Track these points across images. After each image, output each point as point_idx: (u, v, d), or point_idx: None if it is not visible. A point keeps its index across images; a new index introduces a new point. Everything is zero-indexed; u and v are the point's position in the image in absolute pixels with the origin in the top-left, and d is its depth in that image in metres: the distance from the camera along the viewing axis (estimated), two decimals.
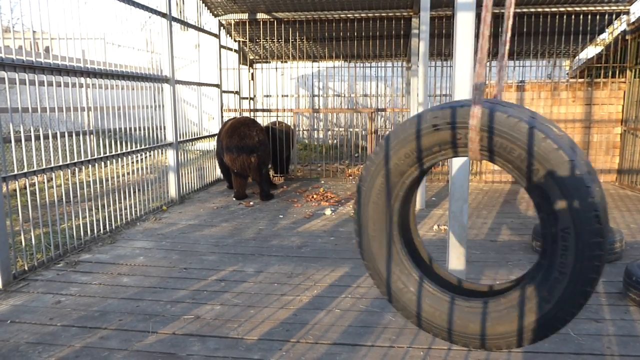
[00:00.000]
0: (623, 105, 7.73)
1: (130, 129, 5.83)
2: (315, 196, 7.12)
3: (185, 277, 4.00)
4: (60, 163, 4.47)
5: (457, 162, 3.21)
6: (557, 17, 8.02)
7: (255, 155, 6.75)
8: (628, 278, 3.53)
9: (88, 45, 5.45)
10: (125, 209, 5.63)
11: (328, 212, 6.20)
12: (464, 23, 3.09)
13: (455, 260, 3.27)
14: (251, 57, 10.69)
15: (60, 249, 4.43)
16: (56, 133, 4.57)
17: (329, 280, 3.94)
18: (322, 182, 8.30)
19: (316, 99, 12.03)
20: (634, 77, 7.49)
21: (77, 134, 5.23)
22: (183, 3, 16.40)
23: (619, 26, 8.06)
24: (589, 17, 7.95)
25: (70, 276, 4.00)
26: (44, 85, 4.31)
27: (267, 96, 10.70)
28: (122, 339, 2.97)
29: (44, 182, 4.26)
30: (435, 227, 5.47)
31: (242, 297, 3.60)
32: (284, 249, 4.74)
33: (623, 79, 7.70)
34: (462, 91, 3.15)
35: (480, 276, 3.99)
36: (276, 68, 9.92)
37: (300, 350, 2.86)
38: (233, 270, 4.18)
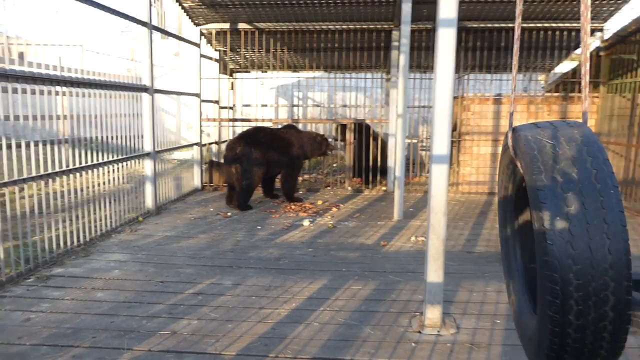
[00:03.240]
0: (596, 120, 7.90)
1: (107, 137, 5.72)
2: (293, 207, 7.09)
3: (161, 291, 3.92)
4: (33, 174, 4.36)
5: (435, 175, 3.23)
6: (534, 32, 8.19)
7: (236, 166, 6.82)
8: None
9: (65, 51, 5.36)
10: (100, 220, 5.51)
11: (306, 223, 6.17)
12: (445, 38, 3.13)
13: (434, 273, 3.28)
14: (231, 67, 10.64)
15: (30, 263, 4.30)
16: (29, 142, 4.45)
17: (308, 293, 3.91)
18: (301, 192, 8.27)
19: (295, 109, 12.02)
20: (607, 92, 7.68)
21: (52, 143, 5.10)
22: (164, 11, 16.29)
23: (593, 42, 8.27)
24: (565, 33, 8.14)
25: (41, 292, 3.88)
26: (17, 93, 4.20)
27: (246, 106, 10.66)
28: (95, 357, 2.88)
29: (15, 193, 4.15)
30: (413, 238, 5.49)
31: (220, 311, 3.54)
32: (262, 261, 4.69)
33: (597, 94, 7.88)
34: (443, 103, 3.18)
35: (457, 288, 4.01)
36: (256, 78, 9.90)
37: None
38: (210, 283, 4.11)
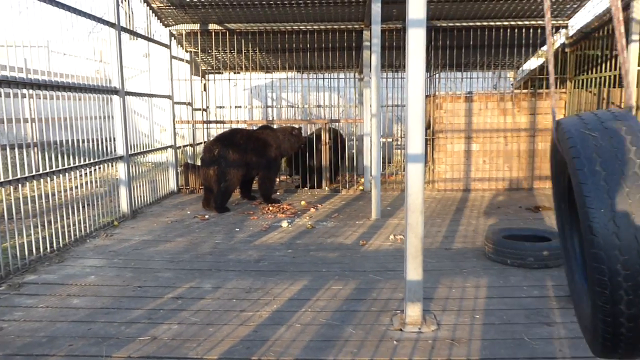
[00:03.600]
0: (564, 115, 8.12)
1: (77, 141, 5.60)
2: (271, 208, 7.07)
3: (140, 296, 3.86)
4: (2, 179, 4.24)
5: (411, 174, 3.27)
6: (502, 30, 8.37)
7: (214, 168, 6.82)
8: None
9: (30, 53, 5.22)
10: (74, 225, 5.39)
11: (285, 224, 6.17)
12: (415, 38, 3.17)
13: (413, 271, 3.31)
14: (203, 68, 10.54)
15: (1, 270, 4.18)
16: None
17: (288, 294, 3.91)
18: (278, 193, 8.25)
19: (270, 109, 11.99)
20: (574, 88, 7.90)
21: (20, 147, 4.96)
22: (132, 12, 16.01)
23: (559, 39, 8.50)
24: (531, 30, 8.33)
25: (13, 300, 3.78)
26: None
27: (220, 107, 10.58)
28: None
29: None
30: (392, 237, 5.54)
31: (201, 315, 3.51)
32: (242, 263, 4.67)
33: (564, 90, 8.10)
34: (415, 103, 3.22)
35: (436, 285, 4.06)
36: (229, 79, 9.83)
37: None
38: (190, 286, 4.07)
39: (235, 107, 10.40)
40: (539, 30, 8.39)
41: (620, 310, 1.63)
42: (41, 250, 4.75)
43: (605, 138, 1.69)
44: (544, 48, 9.26)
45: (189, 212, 6.93)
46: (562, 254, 2.29)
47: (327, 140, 8.57)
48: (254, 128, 8.01)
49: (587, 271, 1.74)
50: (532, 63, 9.94)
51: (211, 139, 7.60)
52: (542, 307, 3.62)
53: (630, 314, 1.62)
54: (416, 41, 3.13)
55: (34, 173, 4.72)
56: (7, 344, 3.08)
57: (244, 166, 7.01)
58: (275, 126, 8.35)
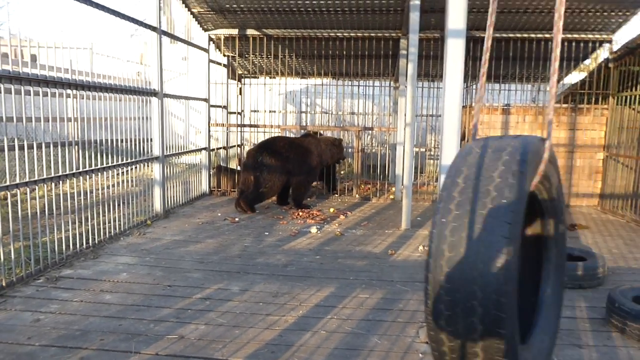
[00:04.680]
0: (605, 132, 7.89)
1: (116, 140, 5.76)
2: (301, 213, 7.10)
3: (169, 295, 3.94)
4: (44, 176, 4.39)
5: None
6: (542, 42, 8.20)
7: (256, 174, 7.02)
8: (610, 304, 3.57)
9: (75, 54, 5.40)
10: (109, 222, 5.54)
11: (314, 230, 6.18)
12: (454, 48, 3.15)
13: None
14: (240, 72, 10.71)
15: (40, 263, 4.33)
16: (40, 143, 4.49)
17: (315, 300, 3.91)
18: (309, 199, 8.28)
19: (303, 115, 12.07)
20: (616, 104, 7.67)
21: (62, 145, 5.14)
22: (172, 17, 16.41)
23: (602, 54, 8.27)
24: (574, 44, 8.14)
25: (50, 293, 3.91)
26: (29, 95, 4.24)
27: (254, 111, 10.70)
28: None
29: (26, 194, 4.18)
30: (421, 247, 5.48)
31: (227, 317, 3.55)
32: (270, 267, 4.70)
33: (606, 106, 7.87)
34: (452, 113, 3.19)
35: None
36: (264, 83, 9.95)
37: None
38: (218, 288, 4.13)
39: (270, 111, 10.50)
40: (581, 44, 8.19)
41: (442, 326, 1.52)
42: (78, 245, 4.89)
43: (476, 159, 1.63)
44: (587, 62, 9.03)
45: (219, 214, 7.02)
46: None
47: (359, 147, 8.56)
48: (295, 135, 8.09)
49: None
50: (574, 77, 9.69)
51: (252, 144, 7.74)
52: (574, 328, 3.52)
53: (450, 331, 1.50)
54: (455, 51, 3.11)
55: (74, 171, 4.87)
56: (43, 335, 3.18)
57: (285, 174, 7.14)
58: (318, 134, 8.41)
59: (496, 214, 1.46)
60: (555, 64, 1.70)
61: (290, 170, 7.20)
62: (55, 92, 4.72)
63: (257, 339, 3.22)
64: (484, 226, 1.46)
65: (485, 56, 1.82)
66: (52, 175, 4.51)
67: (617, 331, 3.43)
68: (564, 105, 8.08)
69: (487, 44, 1.81)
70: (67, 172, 4.74)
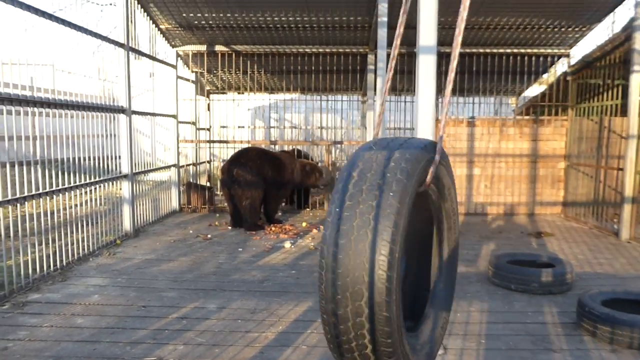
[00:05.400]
0: (566, 142, 8.20)
1: (81, 158, 5.62)
2: (273, 228, 7.07)
3: (144, 316, 3.84)
4: (8, 197, 4.24)
5: None
6: (504, 57, 8.49)
7: (232, 189, 6.98)
8: (581, 309, 3.69)
9: (36, 71, 5.26)
10: (77, 243, 5.38)
11: (287, 244, 6.16)
12: (426, 64, 3.23)
13: None
14: (208, 88, 10.65)
15: (5, 288, 4.16)
16: None
17: (293, 316, 3.89)
18: (280, 214, 8.26)
19: (272, 130, 12.07)
20: (575, 116, 8.00)
21: (22, 164, 4.96)
22: (135, 31, 16.18)
23: (560, 67, 8.63)
24: (533, 58, 8.47)
25: (17, 319, 3.76)
26: None
27: (223, 127, 10.65)
28: None
29: None
30: None
31: (206, 336, 3.49)
32: (246, 284, 4.66)
33: (565, 117, 8.19)
34: (425, 127, 3.27)
35: None
36: (233, 99, 9.92)
37: None
38: (194, 307, 4.06)
39: (239, 127, 10.45)
40: (540, 58, 8.53)
41: (333, 324, 1.60)
42: (45, 268, 4.72)
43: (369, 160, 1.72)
44: (546, 75, 9.39)
45: (191, 232, 6.93)
46: None
47: (330, 161, 8.62)
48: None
49: None
50: (534, 90, 10.06)
51: (221, 159, 7.66)
52: (547, 333, 3.61)
53: (341, 330, 1.59)
54: (426, 67, 3.20)
55: (39, 191, 4.71)
56: None
57: (262, 182, 7.06)
58: (277, 147, 8.40)
59: (384, 205, 1.57)
60: (451, 75, 1.82)
61: (265, 177, 7.12)
62: (12, 110, 4.49)
63: (238, 357, 3.18)
64: (373, 217, 1.56)
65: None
66: (10, 197, 4.32)
67: (589, 334, 3.55)
68: (526, 117, 8.38)
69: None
70: (27, 193, 4.54)
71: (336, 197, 1.64)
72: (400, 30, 2.08)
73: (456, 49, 1.88)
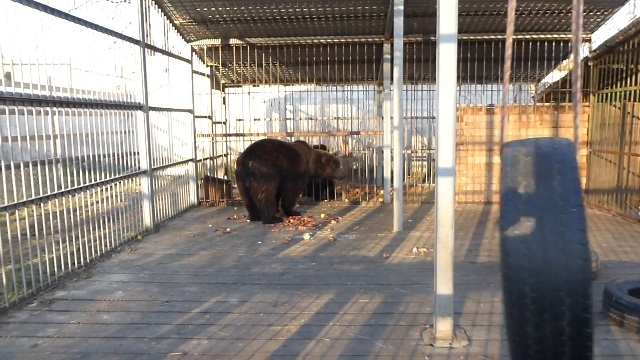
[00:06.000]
0: (588, 129, 8.03)
1: (100, 156, 5.66)
2: (292, 221, 7.08)
3: (168, 311, 3.88)
4: (33, 196, 4.29)
5: (442, 188, 3.25)
6: (524, 43, 8.33)
7: (247, 182, 6.96)
8: (608, 298, 3.62)
9: (53, 70, 5.29)
10: (99, 240, 5.44)
11: (307, 237, 6.16)
12: (447, 53, 3.17)
13: (443, 286, 3.29)
14: (223, 82, 10.67)
15: (32, 287, 4.23)
16: (19, 164, 4.37)
17: (315, 308, 3.89)
18: (298, 206, 8.26)
19: (289, 122, 12.06)
20: (597, 102, 7.82)
21: (43, 164, 5.01)
22: (150, 27, 16.25)
23: (582, 53, 8.43)
24: (554, 44, 8.29)
25: (45, 316, 3.82)
26: (4, 114, 4.13)
27: (239, 120, 10.66)
28: None
29: (5, 216, 4.07)
30: (415, 249, 5.50)
31: (229, 330, 3.51)
32: (267, 277, 4.67)
33: (587, 103, 8.02)
34: (447, 117, 3.21)
35: (464, 299, 4.02)
36: (249, 93, 9.92)
37: None
38: (217, 301, 4.08)
39: (255, 120, 10.47)
40: (561, 44, 8.34)
41: (528, 332, 1.62)
42: (69, 266, 4.79)
43: (533, 163, 1.70)
44: (566, 62, 9.19)
45: (210, 226, 6.97)
46: None
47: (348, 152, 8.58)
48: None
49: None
50: (554, 76, 9.86)
51: (238, 153, 7.64)
52: None
53: (538, 337, 1.62)
54: (447, 56, 3.14)
55: (61, 190, 4.77)
56: None
57: (277, 174, 7.02)
58: (293, 139, 8.37)
59: (568, 221, 1.58)
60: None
61: (281, 170, 7.09)
62: (33, 111, 4.53)
63: (262, 351, 3.19)
64: (560, 235, 1.57)
65: (507, 64, 1.89)
66: (34, 197, 4.38)
67: (616, 325, 3.48)
68: (547, 104, 8.21)
69: (508, 52, 1.86)
70: (50, 193, 4.60)
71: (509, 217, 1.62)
72: (512, 15, 2.02)
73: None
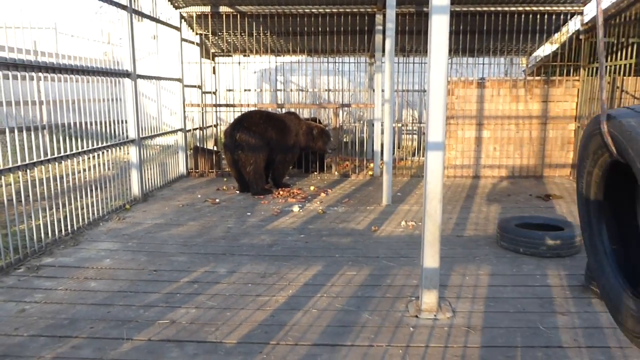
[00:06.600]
0: (577, 103, 8.06)
1: (86, 123, 5.58)
2: (281, 192, 7.08)
3: (156, 280, 3.90)
4: (10, 164, 4.24)
5: (431, 162, 3.26)
6: (515, 15, 8.26)
7: (236, 154, 6.89)
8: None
9: (38, 34, 5.16)
10: (86, 208, 5.42)
11: (296, 208, 6.18)
12: (439, 24, 3.13)
13: (430, 258, 3.33)
14: (213, 51, 10.49)
15: (19, 252, 4.23)
16: (4, 128, 4.31)
17: (303, 280, 3.94)
18: (287, 177, 8.25)
19: (279, 93, 11.95)
20: (587, 76, 7.82)
21: (29, 130, 4.92)
22: None
23: (573, 26, 8.39)
24: (545, 16, 8.22)
25: (33, 282, 3.83)
26: None
27: (229, 90, 10.54)
28: (95, 348, 2.87)
29: None
30: (403, 223, 5.55)
31: (217, 299, 3.55)
32: (255, 248, 4.70)
33: (577, 77, 8.02)
34: (437, 90, 3.19)
35: (450, 272, 4.08)
36: (239, 62, 9.77)
37: (280, 352, 2.85)
38: (205, 271, 4.11)
39: (245, 90, 10.35)
40: (552, 16, 8.28)
41: None
42: (56, 233, 4.78)
43: None
44: (557, 35, 9.14)
45: (199, 196, 6.96)
46: (588, 249, 2.26)
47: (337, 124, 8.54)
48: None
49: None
50: (545, 49, 9.82)
51: (227, 123, 7.55)
52: (555, 296, 3.64)
53: None
54: (439, 27, 3.10)
55: (47, 157, 4.72)
56: (31, 325, 3.12)
57: (265, 146, 6.97)
58: (284, 110, 8.30)
59: None
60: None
61: (269, 141, 7.03)
62: (17, 75, 4.44)
63: (249, 320, 3.23)
64: None
65: (600, 48, 1.85)
66: (19, 163, 4.33)
67: (597, 297, 3.56)
68: (537, 78, 8.21)
69: (600, 33, 1.82)
70: (42, 158, 4.59)
71: None
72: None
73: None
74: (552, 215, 5.86)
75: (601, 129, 1.85)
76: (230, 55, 10.56)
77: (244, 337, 3.02)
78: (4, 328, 3.09)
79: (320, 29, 9.07)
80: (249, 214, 5.99)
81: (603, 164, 1.98)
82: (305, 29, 9.04)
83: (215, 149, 9.29)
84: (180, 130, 8.39)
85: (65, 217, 5.01)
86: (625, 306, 1.87)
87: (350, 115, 11.94)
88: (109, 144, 5.86)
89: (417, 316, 3.28)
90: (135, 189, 6.51)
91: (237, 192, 7.23)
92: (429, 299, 3.32)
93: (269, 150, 7.02)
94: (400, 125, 10.66)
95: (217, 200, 6.68)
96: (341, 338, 3.01)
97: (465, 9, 8.28)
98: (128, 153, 6.50)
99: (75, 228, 5.10)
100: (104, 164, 5.80)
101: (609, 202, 2.13)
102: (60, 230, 4.85)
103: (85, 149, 5.36)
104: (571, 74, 8.18)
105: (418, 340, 2.99)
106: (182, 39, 8.57)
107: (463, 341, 2.98)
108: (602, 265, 2.10)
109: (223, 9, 8.55)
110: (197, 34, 9.26)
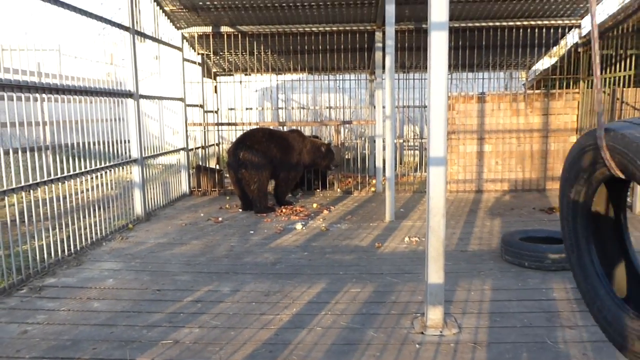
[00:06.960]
0: (577, 115, 8.08)
1: (90, 143, 5.61)
2: (284, 210, 7.08)
3: (159, 300, 3.88)
4: (14, 185, 4.25)
5: (434, 177, 3.26)
6: (514, 30, 8.33)
7: (239, 172, 6.90)
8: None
9: (42, 56, 5.22)
10: (89, 228, 5.42)
11: (299, 226, 6.17)
12: (438, 41, 3.16)
13: (434, 274, 3.31)
14: (214, 70, 10.58)
15: (22, 273, 4.21)
16: (8, 149, 4.33)
17: (307, 297, 3.91)
18: (290, 195, 8.25)
19: (280, 111, 12.01)
20: (587, 88, 7.86)
21: (32, 150, 4.94)
22: (139, 13, 16.03)
23: (571, 39, 8.45)
24: (543, 30, 8.29)
25: (35, 303, 3.81)
26: None
27: (231, 109, 10.60)
28: None
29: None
30: (407, 239, 5.53)
31: (221, 318, 3.52)
32: (258, 266, 4.68)
33: (577, 90, 8.06)
34: (438, 106, 3.21)
35: (455, 287, 4.05)
36: (240, 81, 9.85)
37: None
38: (208, 290, 4.08)
39: (246, 108, 10.40)
40: (551, 30, 8.35)
41: None
42: (59, 253, 4.77)
43: None
44: (555, 48, 9.21)
45: (202, 215, 6.95)
46: (577, 272, 2.19)
47: (338, 141, 8.56)
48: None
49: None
50: (545, 63, 9.89)
51: (230, 142, 7.58)
52: (562, 310, 3.60)
53: None
54: (439, 44, 3.13)
55: (50, 177, 4.73)
56: (33, 347, 3.10)
57: (269, 164, 6.98)
58: (286, 128, 8.33)
59: None
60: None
61: (273, 159, 7.03)
62: (21, 97, 4.49)
63: (253, 339, 3.20)
64: None
65: (596, 61, 1.85)
66: (23, 184, 4.34)
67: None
68: (537, 91, 8.24)
69: (595, 46, 1.82)
70: (45, 178, 4.61)
71: None
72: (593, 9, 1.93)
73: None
74: (556, 228, 5.83)
75: (598, 143, 1.79)
76: (232, 75, 10.65)
77: (248, 356, 2.99)
78: (6, 350, 3.06)
79: (320, 47, 9.16)
80: (252, 232, 5.98)
81: (595, 180, 1.93)
82: (306, 47, 9.12)
83: (217, 167, 9.32)
84: (183, 149, 8.42)
85: (68, 237, 5.01)
86: (629, 328, 1.82)
87: (352, 132, 11.98)
88: (111, 163, 5.89)
89: (422, 333, 3.25)
90: (138, 209, 6.51)
91: (240, 210, 7.23)
92: (435, 315, 3.29)
93: (272, 167, 7.03)
94: (401, 141, 10.69)
95: (220, 218, 6.67)
96: (346, 356, 2.98)
97: (464, 24, 8.36)
98: (131, 172, 6.52)
99: (78, 248, 5.09)
100: (106, 184, 5.82)
101: (599, 220, 2.08)
102: (63, 251, 4.85)
103: (88, 169, 5.38)
104: (571, 87, 8.22)
105: (424, 357, 2.96)
106: (184, 59, 8.65)
107: (470, 357, 2.94)
108: (596, 288, 2.05)
109: (224, 29, 8.65)
110: (198, 53, 9.35)
